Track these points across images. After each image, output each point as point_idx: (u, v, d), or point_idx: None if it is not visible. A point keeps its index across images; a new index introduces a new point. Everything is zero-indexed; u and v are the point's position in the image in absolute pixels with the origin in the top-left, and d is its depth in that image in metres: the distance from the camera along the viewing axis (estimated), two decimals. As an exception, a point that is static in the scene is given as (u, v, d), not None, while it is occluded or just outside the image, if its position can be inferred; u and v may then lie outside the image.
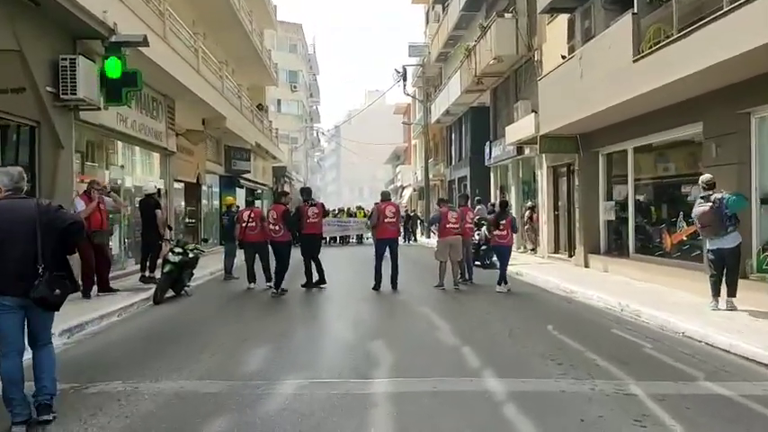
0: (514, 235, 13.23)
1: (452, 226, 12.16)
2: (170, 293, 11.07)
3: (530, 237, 19.55)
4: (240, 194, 29.71)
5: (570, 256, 16.27)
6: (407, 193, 48.40)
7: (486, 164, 24.24)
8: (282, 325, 8.73)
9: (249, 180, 29.17)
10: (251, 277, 12.35)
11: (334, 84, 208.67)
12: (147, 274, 12.07)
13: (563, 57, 13.28)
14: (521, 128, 16.80)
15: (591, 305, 10.14)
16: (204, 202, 22.66)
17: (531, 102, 18.42)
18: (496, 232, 12.23)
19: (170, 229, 12.57)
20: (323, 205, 12.91)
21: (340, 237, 29.67)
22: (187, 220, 18.66)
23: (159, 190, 12.52)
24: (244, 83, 32.08)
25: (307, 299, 11.20)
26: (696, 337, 7.30)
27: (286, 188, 41.24)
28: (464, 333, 7.85)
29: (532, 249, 19.44)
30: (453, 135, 33.75)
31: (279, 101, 60.94)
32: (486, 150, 23.87)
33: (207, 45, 23.16)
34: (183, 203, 19.36)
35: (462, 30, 26.55)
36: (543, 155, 17.48)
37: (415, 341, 7.51)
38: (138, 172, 15.66)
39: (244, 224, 12.39)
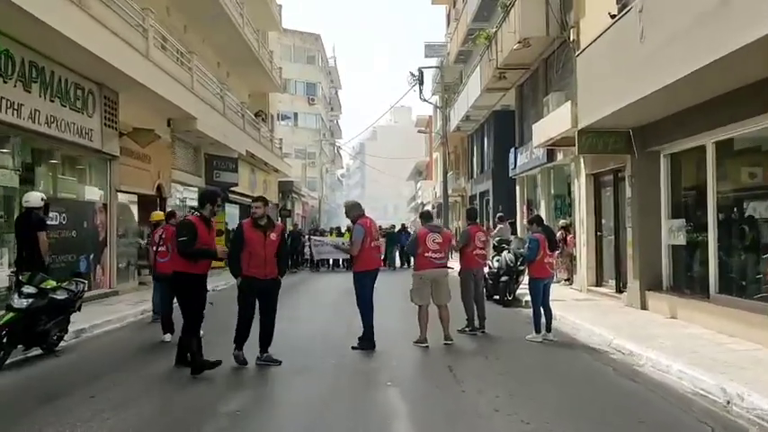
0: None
1: (433, 255, 8.30)
2: (34, 351, 7.53)
3: (564, 264, 15.61)
4: (232, 213, 26.42)
5: (619, 291, 12.32)
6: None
7: (510, 175, 20.39)
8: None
9: (240, 194, 25.71)
10: (165, 326, 8.65)
11: (358, 98, 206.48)
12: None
13: (612, 15, 9.49)
14: (552, 123, 12.97)
15: (670, 386, 6.23)
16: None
17: (565, 93, 14.61)
18: (548, 260, 8.75)
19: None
20: (283, 230, 8.26)
21: (333, 260, 25.44)
22: (140, 242, 15.16)
23: (47, 203, 8.99)
24: (242, 88, 28.88)
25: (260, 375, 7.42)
26: None
27: (288, 206, 37.90)
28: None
29: (567, 280, 15.50)
30: (475, 145, 29.97)
31: (296, 114, 58.04)
32: (511, 158, 20.05)
33: (187, 39, 19.93)
34: (135, 221, 15.86)
35: (483, 22, 22.83)
36: (582, 158, 13.63)
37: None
38: (53, 179, 12.23)
39: (154, 248, 8.79)
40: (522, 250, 13.48)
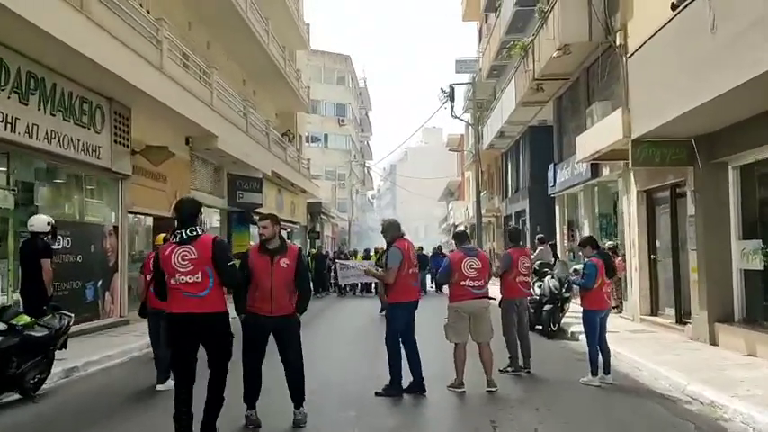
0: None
1: (471, 284, 7.04)
2: (10, 396, 6.53)
3: (609, 291, 14.17)
4: (257, 236, 25.50)
5: (679, 321, 10.92)
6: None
7: (549, 193, 19.08)
8: None
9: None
10: (161, 370, 7.44)
11: (389, 119, 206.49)
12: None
13: (674, 6, 8.27)
14: (599, 134, 11.69)
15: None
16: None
17: (611, 103, 13.35)
18: (605, 289, 7.55)
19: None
20: (299, 254, 6.46)
21: (361, 284, 23.27)
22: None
23: (54, 228, 8.12)
24: (269, 107, 28.19)
25: None
26: None
27: (317, 228, 36.96)
28: None
29: (615, 308, 14.08)
30: (509, 163, 28.71)
31: (326, 135, 57.50)
32: (550, 176, 18.75)
33: (211, 55, 19.24)
34: (150, 244, 14.95)
35: (517, 33, 21.69)
36: (632, 173, 12.33)
37: None
38: (56, 200, 11.39)
39: (148, 277, 7.77)
40: (571, 275, 12.22)
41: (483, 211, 29.58)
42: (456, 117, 30.08)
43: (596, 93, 15.03)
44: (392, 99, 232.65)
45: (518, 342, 8.03)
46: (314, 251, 26.40)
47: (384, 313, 7.81)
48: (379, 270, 7.59)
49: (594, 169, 14.42)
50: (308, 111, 35.94)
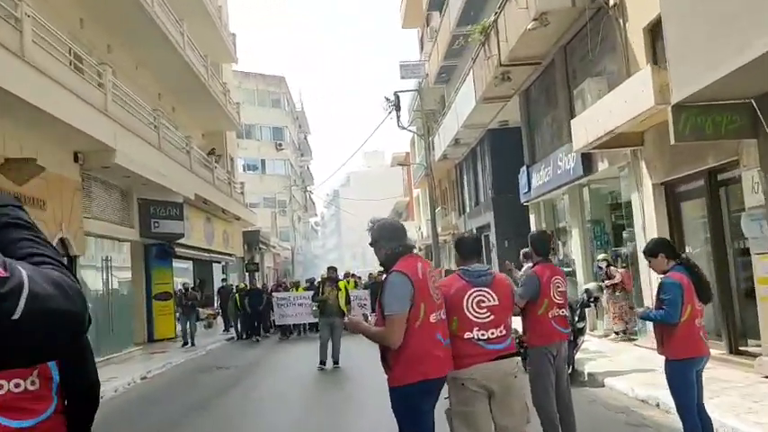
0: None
1: (483, 335, 3.92)
2: None
3: (617, 311, 11.46)
4: (182, 270, 21.93)
5: (734, 352, 8.17)
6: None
7: (522, 201, 16.36)
8: None
9: (192, 247, 21.29)
10: None
11: (330, 143, 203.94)
12: None
13: None
14: (610, 109, 8.88)
15: None
16: (100, 287, 14.68)
17: (607, 79, 10.74)
18: (698, 321, 4.67)
19: None
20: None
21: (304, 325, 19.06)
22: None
23: None
24: (193, 126, 24.82)
25: None
26: None
27: (256, 259, 33.48)
28: None
29: (622, 332, 11.37)
30: (465, 174, 26.08)
31: (263, 161, 54.14)
32: (522, 181, 16.04)
33: (115, 62, 15.87)
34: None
35: (470, 25, 19.10)
36: (643, 163, 9.67)
37: None
38: None
39: None
40: (583, 298, 9.37)
41: (439, 230, 26.79)
42: (403, 128, 27.35)
43: (579, 73, 12.44)
44: (332, 122, 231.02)
45: (557, 416, 5.03)
46: (244, 285, 22.28)
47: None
48: (371, 318, 4.38)
49: (587, 164, 11.74)
50: (239, 129, 32.65)
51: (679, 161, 8.82)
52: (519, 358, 4.19)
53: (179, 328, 18.20)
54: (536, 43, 12.96)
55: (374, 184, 78.84)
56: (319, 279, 14.59)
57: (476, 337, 3.93)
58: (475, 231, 23.84)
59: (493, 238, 20.96)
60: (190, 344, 16.68)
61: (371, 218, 4.09)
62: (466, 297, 3.97)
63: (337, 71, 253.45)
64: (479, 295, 4.00)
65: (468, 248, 4.24)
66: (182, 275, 21.96)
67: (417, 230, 37.65)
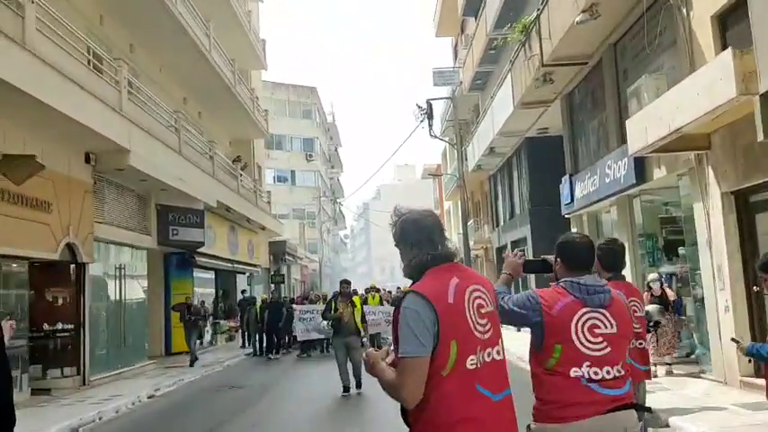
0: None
1: (595, 373, 2.74)
2: None
3: (669, 340, 10.05)
4: (203, 280, 21.13)
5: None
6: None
7: (564, 213, 15.16)
8: None
9: (214, 256, 20.50)
10: None
11: (361, 157, 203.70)
12: None
13: None
14: (676, 105, 7.72)
15: None
16: (112, 296, 13.90)
17: (666, 76, 9.58)
18: None
19: None
20: None
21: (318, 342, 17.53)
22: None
23: None
24: (220, 133, 24.18)
25: None
26: None
27: (282, 270, 32.65)
28: None
29: (669, 365, 10.05)
30: (500, 185, 24.92)
31: (293, 171, 53.66)
32: (564, 191, 14.85)
33: (138, 63, 15.21)
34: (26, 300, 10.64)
35: (510, 24, 18.00)
36: (709, 169, 8.49)
37: None
38: None
39: None
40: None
41: (471, 244, 25.62)
42: (435, 136, 26.31)
43: (630, 73, 11.29)
44: (363, 137, 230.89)
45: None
46: (264, 297, 20.55)
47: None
48: (391, 353, 2.85)
49: (641, 171, 10.54)
50: (267, 138, 31.97)
51: (754, 167, 7.63)
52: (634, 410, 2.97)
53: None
54: (582, 40, 11.86)
55: (404, 196, 77.90)
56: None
57: (586, 375, 2.78)
58: (509, 246, 22.64)
59: (530, 253, 19.71)
60: (189, 364, 15.23)
61: (395, 206, 2.87)
62: (576, 319, 2.82)
63: (367, 84, 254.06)
64: (593, 318, 2.84)
65: (580, 258, 2.97)
66: (204, 286, 21.20)
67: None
